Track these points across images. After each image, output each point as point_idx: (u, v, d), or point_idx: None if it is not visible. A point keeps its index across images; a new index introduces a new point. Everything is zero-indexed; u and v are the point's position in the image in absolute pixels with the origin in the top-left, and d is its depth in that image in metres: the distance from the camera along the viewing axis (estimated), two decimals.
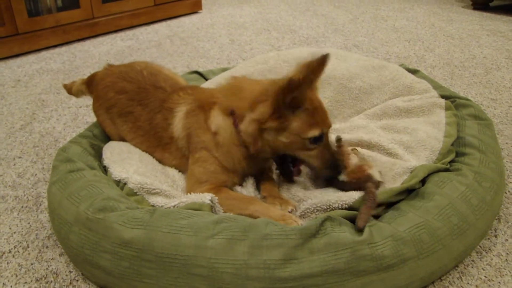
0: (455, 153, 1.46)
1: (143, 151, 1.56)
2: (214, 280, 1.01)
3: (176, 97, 1.51)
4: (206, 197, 1.26)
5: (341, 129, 1.77)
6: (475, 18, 3.79)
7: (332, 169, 1.34)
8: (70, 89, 1.86)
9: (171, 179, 1.47)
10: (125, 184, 1.35)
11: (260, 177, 1.49)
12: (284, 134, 1.28)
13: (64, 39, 3.27)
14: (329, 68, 1.99)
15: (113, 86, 1.61)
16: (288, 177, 1.45)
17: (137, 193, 1.32)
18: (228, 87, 1.41)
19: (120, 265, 1.07)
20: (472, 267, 1.20)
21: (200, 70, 2.31)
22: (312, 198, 1.32)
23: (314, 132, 1.27)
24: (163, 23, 3.84)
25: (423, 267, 1.08)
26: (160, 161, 1.55)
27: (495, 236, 1.31)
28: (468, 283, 1.15)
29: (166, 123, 1.48)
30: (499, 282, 1.15)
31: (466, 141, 1.48)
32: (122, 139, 1.63)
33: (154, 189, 1.32)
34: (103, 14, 3.46)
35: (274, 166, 1.54)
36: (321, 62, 1.27)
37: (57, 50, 3.19)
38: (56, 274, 1.22)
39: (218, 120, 1.37)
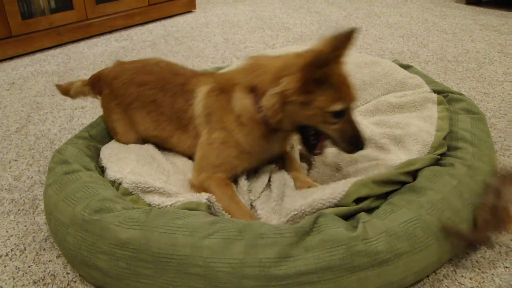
0: (446, 147, 1.47)
1: (164, 138, 1.59)
2: (211, 279, 1.02)
3: (195, 80, 1.53)
4: (203, 197, 1.27)
5: None
6: (468, 12, 3.80)
7: (352, 145, 1.32)
8: (66, 90, 1.80)
9: (165, 176, 1.46)
10: (120, 184, 1.36)
11: (281, 162, 1.54)
12: (307, 108, 1.27)
13: (58, 41, 3.26)
14: None
15: (132, 81, 1.61)
16: (310, 151, 1.42)
17: (132, 192, 1.33)
18: (247, 67, 1.40)
19: (117, 266, 1.08)
20: (466, 260, 1.21)
21: (195, 69, 2.31)
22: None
23: (336, 107, 1.26)
24: (158, 23, 3.84)
25: (417, 262, 1.09)
26: (176, 146, 1.58)
27: None
28: (462, 275, 1.16)
29: (187, 104, 1.50)
30: (493, 274, 1.16)
31: (458, 135, 1.49)
32: (139, 134, 1.64)
33: (148, 187, 1.32)
34: (97, 15, 3.45)
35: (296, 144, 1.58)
36: (348, 35, 1.17)
37: (51, 52, 3.18)
38: (54, 276, 1.23)
39: (240, 101, 1.37)
